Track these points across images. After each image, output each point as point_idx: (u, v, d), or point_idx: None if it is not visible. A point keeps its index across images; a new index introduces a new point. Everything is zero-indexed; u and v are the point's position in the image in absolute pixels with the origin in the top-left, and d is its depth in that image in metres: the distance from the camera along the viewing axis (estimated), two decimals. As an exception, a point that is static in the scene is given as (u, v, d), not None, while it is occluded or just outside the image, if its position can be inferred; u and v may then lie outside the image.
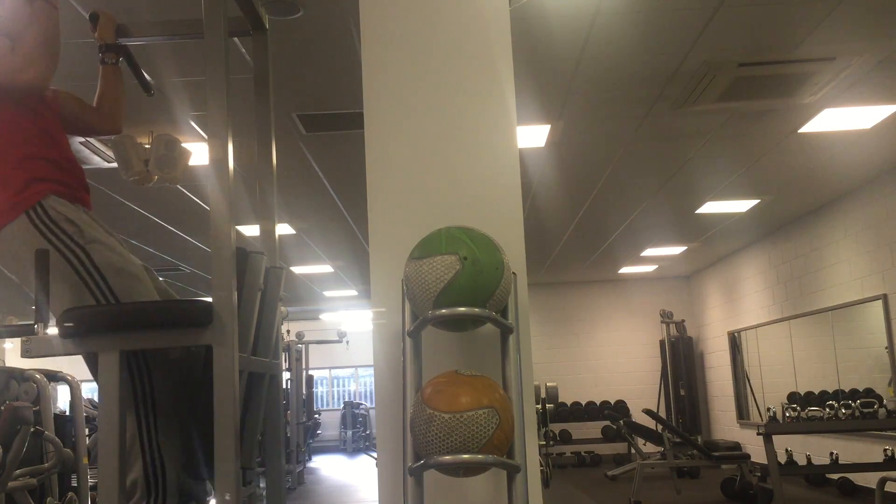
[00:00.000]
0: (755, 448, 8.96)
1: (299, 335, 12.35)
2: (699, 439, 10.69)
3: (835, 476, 8.03)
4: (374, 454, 2.95)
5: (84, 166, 5.74)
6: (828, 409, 6.33)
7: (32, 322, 1.92)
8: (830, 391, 8.38)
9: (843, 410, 6.21)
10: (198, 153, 5.42)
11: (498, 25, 2.41)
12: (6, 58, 2.04)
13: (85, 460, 4.98)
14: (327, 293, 13.32)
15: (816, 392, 8.74)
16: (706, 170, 6.82)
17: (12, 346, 12.76)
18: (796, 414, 6.40)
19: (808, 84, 4.95)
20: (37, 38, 2.05)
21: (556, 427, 12.05)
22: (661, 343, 12.51)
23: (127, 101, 2.51)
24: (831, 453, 7.10)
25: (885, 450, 6.55)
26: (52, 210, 2.04)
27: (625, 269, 12.17)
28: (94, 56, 2.50)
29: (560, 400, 12.21)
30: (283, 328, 10.84)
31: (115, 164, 5.28)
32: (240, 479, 1.86)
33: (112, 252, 2.07)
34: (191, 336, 1.91)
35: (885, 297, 7.34)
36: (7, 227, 2.03)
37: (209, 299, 1.89)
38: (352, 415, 16.12)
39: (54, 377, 5.10)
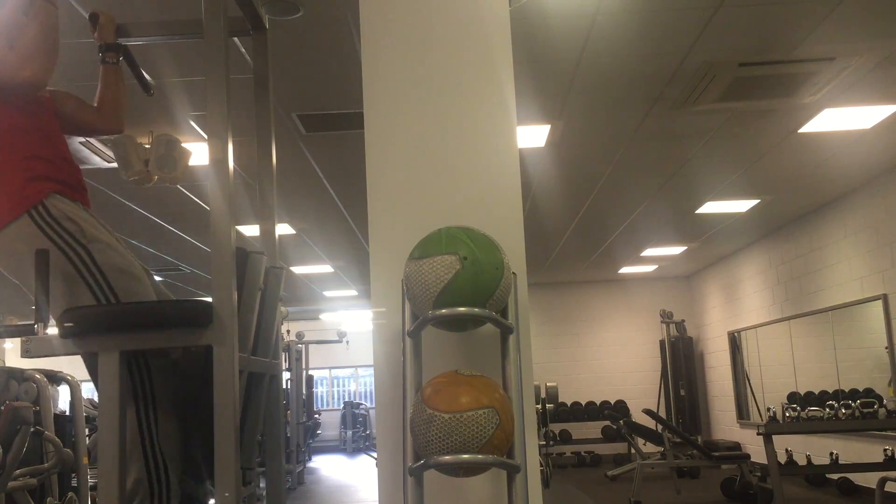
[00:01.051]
0: (755, 448, 8.96)
1: (299, 335, 12.35)
2: (699, 439, 10.70)
3: (835, 476, 8.03)
4: (374, 454, 2.95)
5: (84, 166, 5.76)
6: (828, 409, 6.33)
7: (32, 322, 1.92)
8: (830, 391, 8.38)
9: (843, 410, 6.21)
10: (198, 153, 5.43)
11: (498, 25, 2.41)
12: (4, 56, 2.04)
13: (85, 460, 4.98)
14: (327, 293, 13.32)
15: (816, 392, 8.74)
16: (706, 170, 6.82)
17: (12, 346, 12.76)
18: (796, 414, 6.40)
19: (808, 84, 4.95)
20: (36, 37, 2.05)
21: (556, 427, 12.05)
22: (661, 343, 12.51)
23: (128, 100, 2.51)
24: (831, 453, 7.10)
25: (885, 450, 6.55)
26: (54, 208, 2.04)
27: (625, 269, 12.17)
28: (94, 56, 2.50)
29: (560, 400, 12.20)
30: (283, 328, 10.84)
31: (115, 164, 5.27)
32: (240, 479, 1.86)
33: (114, 252, 2.07)
34: (191, 336, 1.91)
35: (885, 297, 7.34)
36: (9, 227, 2.03)
37: (209, 299, 1.89)
38: (352, 415, 16.12)
39: (54, 377, 5.10)
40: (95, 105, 2.43)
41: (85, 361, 2.05)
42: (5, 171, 2.07)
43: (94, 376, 2.02)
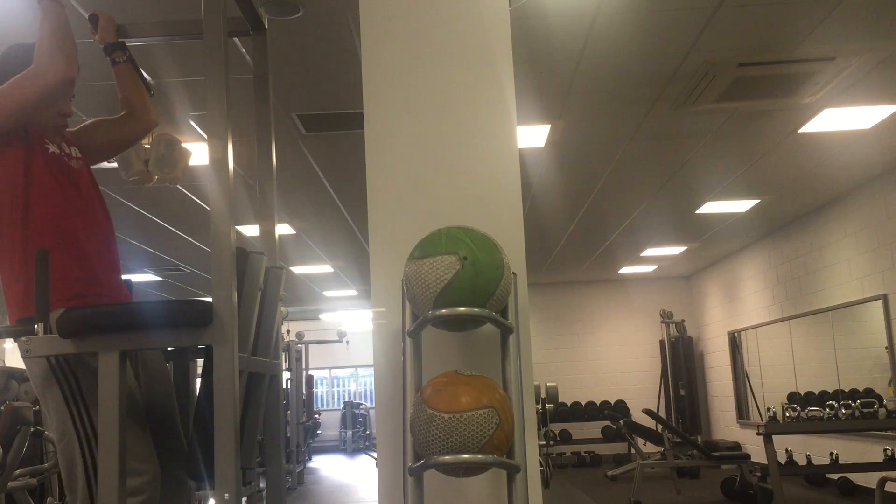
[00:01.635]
0: (755, 448, 8.96)
1: (299, 335, 12.35)
2: (699, 439, 10.70)
3: (835, 476, 8.03)
4: (374, 454, 2.94)
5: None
6: (828, 409, 6.32)
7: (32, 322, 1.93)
8: (830, 391, 8.38)
9: (843, 410, 6.21)
10: (198, 153, 5.43)
11: (498, 25, 2.41)
12: (24, 77, 2.05)
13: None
14: (327, 293, 13.32)
15: (816, 392, 8.74)
16: (706, 170, 6.82)
17: (12, 346, 12.75)
18: (796, 414, 6.40)
19: (808, 84, 4.95)
20: (50, 37, 2.07)
21: (556, 427, 12.05)
22: (661, 343, 12.51)
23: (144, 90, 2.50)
24: (831, 453, 7.10)
25: (885, 450, 6.55)
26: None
27: (625, 269, 12.17)
28: (94, 56, 2.50)
29: (560, 400, 12.19)
30: (283, 328, 10.84)
31: (115, 164, 5.27)
32: (240, 479, 1.86)
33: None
34: (191, 336, 1.91)
35: (885, 297, 7.34)
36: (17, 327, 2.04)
37: (209, 299, 1.89)
38: (352, 415, 16.12)
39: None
40: (124, 112, 2.43)
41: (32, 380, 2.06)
42: (27, 267, 2.02)
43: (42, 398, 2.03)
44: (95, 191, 2.27)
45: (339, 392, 17.58)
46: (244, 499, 1.99)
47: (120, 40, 2.44)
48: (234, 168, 2.00)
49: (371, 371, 10.55)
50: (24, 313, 2.03)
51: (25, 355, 1.96)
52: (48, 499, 4.66)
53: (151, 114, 2.48)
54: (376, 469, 2.25)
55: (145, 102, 2.46)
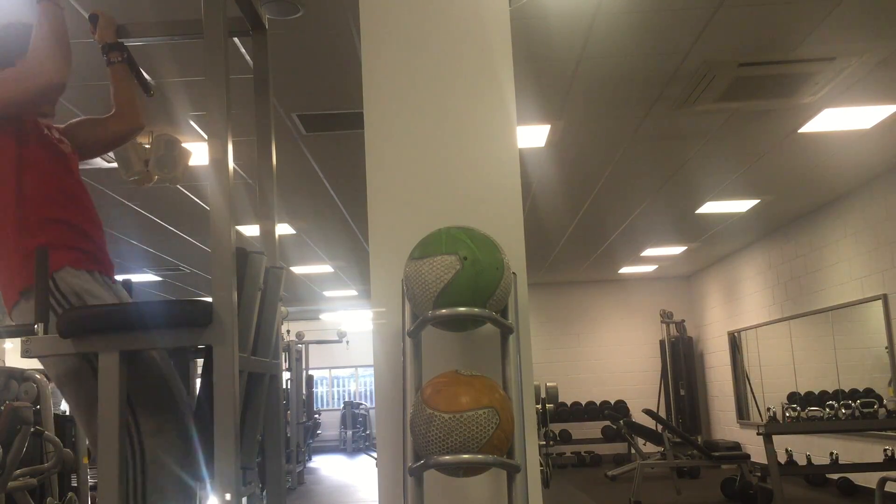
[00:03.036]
0: (755, 448, 8.96)
1: (299, 335, 12.35)
2: (699, 439, 10.69)
3: (835, 476, 8.03)
4: (374, 454, 2.95)
5: (84, 166, 5.75)
6: (828, 409, 6.33)
7: (32, 322, 1.92)
8: (830, 391, 8.38)
9: (843, 410, 6.21)
10: (198, 153, 5.43)
11: (498, 25, 2.41)
12: (17, 70, 2.05)
13: (85, 460, 4.99)
14: (327, 293, 13.32)
15: (816, 392, 8.74)
16: (706, 170, 6.82)
17: (12, 346, 12.75)
18: (796, 414, 6.40)
19: (808, 84, 4.95)
20: (46, 38, 2.06)
21: (556, 427, 12.05)
22: (661, 343, 12.51)
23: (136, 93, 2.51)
24: (831, 453, 7.10)
25: (885, 450, 6.55)
26: (63, 283, 2.04)
27: (625, 269, 12.17)
28: (95, 56, 2.50)
29: (560, 400, 12.20)
30: (283, 328, 10.84)
31: (115, 164, 5.27)
32: (240, 479, 1.86)
33: None
34: (191, 336, 1.90)
35: (885, 297, 7.34)
36: (19, 304, 2.05)
37: (209, 299, 1.89)
38: (352, 415, 16.12)
39: (54, 377, 5.10)
40: (114, 111, 2.44)
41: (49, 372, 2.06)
42: (23, 235, 2.06)
43: (62, 387, 2.03)
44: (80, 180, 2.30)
45: (339, 392, 17.58)
46: (244, 499, 1.99)
47: (118, 41, 2.45)
48: (234, 168, 2.00)
49: (371, 371, 10.55)
50: (26, 282, 2.03)
51: (25, 355, 1.96)
52: (48, 499, 4.66)
53: (139, 117, 2.48)
54: (376, 469, 2.25)
55: (135, 105, 2.46)
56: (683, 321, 12.39)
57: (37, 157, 2.13)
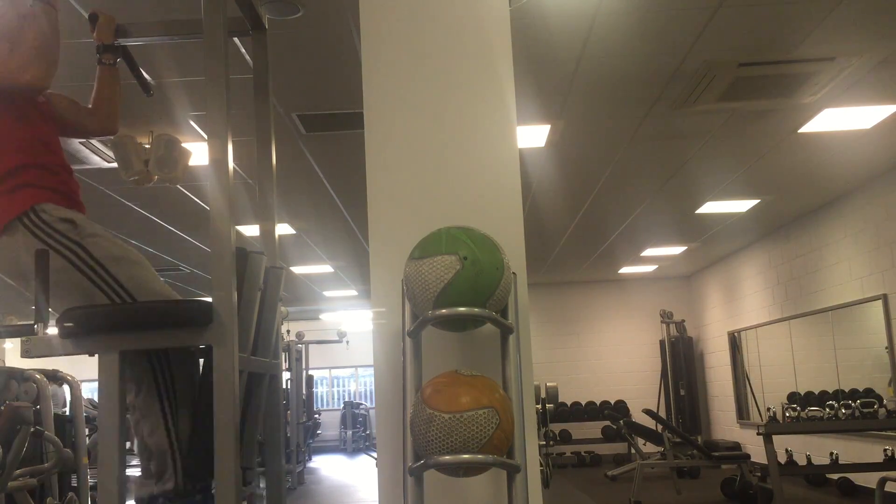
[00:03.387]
0: (755, 448, 8.96)
1: (299, 335, 12.34)
2: (699, 439, 10.69)
3: (835, 476, 8.03)
4: (374, 454, 2.95)
5: (84, 166, 5.77)
6: (828, 409, 6.32)
7: (32, 322, 1.92)
8: (830, 391, 8.38)
9: (843, 410, 6.21)
10: (198, 153, 5.43)
11: (498, 25, 2.41)
12: (5, 60, 2.05)
13: (85, 460, 4.98)
14: (327, 293, 13.32)
15: (816, 392, 8.74)
16: (706, 170, 6.82)
17: (12, 346, 12.75)
18: (796, 414, 6.40)
19: (808, 84, 4.95)
20: (36, 39, 2.05)
21: (556, 427, 12.05)
22: (661, 343, 12.51)
23: (123, 101, 2.51)
24: (831, 453, 7.10)
25: (885, 450, 6.55)
26: (45, 213, 2.05)
27: (625, 269, 12.17)
28: (94, 56, 2.50)
29: (560, 400, 12.20)
30: (283, 328, 10.83)
31: (115, 164, 5.27)
32: (240, 479, 1.86)
33: (109, 242, 2.08)
34: (191, 336, 1.90)
35: (885, 297, 7.34)
36: (3, 237, 2.05)
37: (209, 299, 1.89)
38: (352, 415, 16.12)
39: (54, 377, 5.10)
40: (90, 106, 2.44)
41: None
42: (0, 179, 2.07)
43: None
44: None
45: (339, 392, 17.58)
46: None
47: (114, 44, 2.44)
48: (234, 168, 2.00)
49: (371, 371, 10.55)
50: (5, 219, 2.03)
51: (25, 355, 1.96)
52: (48, 499, 4.66)
53: (113, 122, 2.48)
54: (376, 469, 2.25)
55: (112, 109, 2.46)
56: (683, 321, 12.39)
57: (13, 104, 2.12)
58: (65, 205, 2.12)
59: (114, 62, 2.44)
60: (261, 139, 2.54)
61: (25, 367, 4.88)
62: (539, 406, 10.98)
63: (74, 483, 4.99)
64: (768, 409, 6.72)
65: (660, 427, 9.09)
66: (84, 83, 2.11)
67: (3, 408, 3.95)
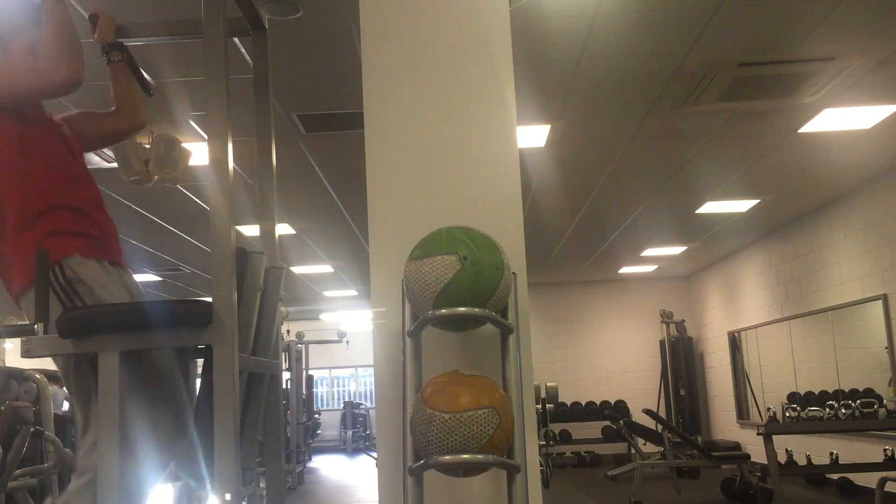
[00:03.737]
0: (755, 448, 8.96)
1: (299, 335, 12.34)
2: (699, 439, 10.70)
3: (835, 476, 8.03)
4: (374, 454, 2.95)
5: (84, 166, 5.76)
6: (828, 409, 6.32)
7: (32, 322, 1.92)
8: (830, 391, 8.38)
9: (843, 410, 6.21)
10: (198, 153, 5.43)
11: (498, 25, 2.41)
12: (33, 66, 2.05)
13: (85, 460, 4.97)
14: (327, 293, 13.32)
15: (816, 392, 8.74)
16: (706, 170, 6.82)
17: (12, 346, 12.75)
18: (796, 414, 6.40)
19: (808, 84, 4.95)
20: (56, 36, 2.07)
21: (556, 427, 12.04)
22: (661, 343, 12.51)
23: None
24: (831, 453, 7.10)
25: (885, 450, 6.55)
26: (69, 270, 2.04)
27: (625, 269, 12.17)
28: (94, 56, 2.50)
29: (560, 400, 12.20)
30: (283, 328, 10.83)
31: (115, 165, 5.27)
32: (240, 479, 1.86)
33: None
34: (191, 336, 1.91)
35: (885, 297, 7.34)
36: (28, 291, 2.04)
37: (209, 299, 1.89)
38: (352, 415, 16.11)
39: (54, 377, 5.10)
40: (113, 108, 2.44)
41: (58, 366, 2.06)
42: (29, 225, 2.05)
43: (67, 379, 2.04)
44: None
45: (339, 392, 17.57)
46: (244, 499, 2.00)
47: (118, 41, 2.45)
48: (234, 168, 2.00)
49: (371, 371, 10.55)
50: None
51: (25, 355, 1.96)
52: (48, 499, 4.66)
53: (141, 114, 2.49)
54: (376, 469, 2.25)
55: (135, 102, 2.46)
56: (683, 321, 12.39)
57: (41, 139, 2.13)
58: (93, 251, 2.10)
59: (122, 58, 2.45)
60: (261, 139, 2.55)
61: (25, 367, 4.88)
62: (539, 406, 10.97)
63: (74, 483, 4.97)
64: (768, 409, 6.73)
65: (660, 427, 9.08)
66: (87, 82, 2.11)
67: (3, 408, 3.95)
